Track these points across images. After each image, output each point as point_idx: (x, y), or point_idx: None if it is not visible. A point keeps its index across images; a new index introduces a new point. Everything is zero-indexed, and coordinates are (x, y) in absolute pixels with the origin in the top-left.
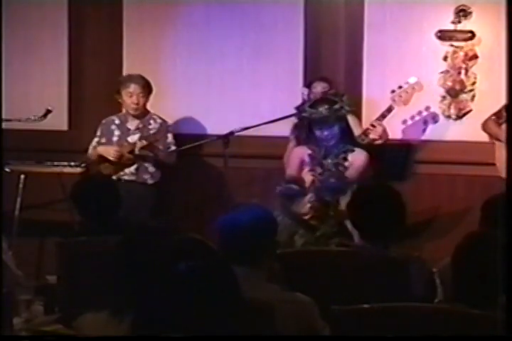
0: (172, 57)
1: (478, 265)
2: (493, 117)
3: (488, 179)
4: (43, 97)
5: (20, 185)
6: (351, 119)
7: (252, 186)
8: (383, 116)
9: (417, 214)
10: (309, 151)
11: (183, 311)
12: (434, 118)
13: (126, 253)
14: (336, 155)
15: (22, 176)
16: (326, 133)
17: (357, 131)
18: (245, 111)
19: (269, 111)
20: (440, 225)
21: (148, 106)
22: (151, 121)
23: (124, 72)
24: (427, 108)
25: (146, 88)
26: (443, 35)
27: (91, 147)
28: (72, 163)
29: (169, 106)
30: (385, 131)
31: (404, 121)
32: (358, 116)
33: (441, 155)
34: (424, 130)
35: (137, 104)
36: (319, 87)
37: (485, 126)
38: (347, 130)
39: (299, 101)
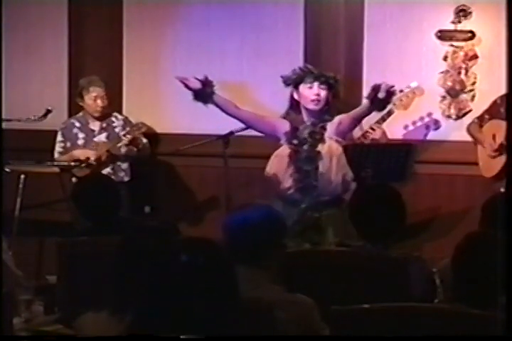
0: (172, 57)
1: (478, 265)
2: (476, 120)
3: (488, 179)
4: (43, 97)
5: (20, 185)
6: None
7: (252, 186)
8: (383, 119)
9: (417, 214)
10: (288, 124)
11: (184, 311)
12: (436, 124)
13: (126, 253)
14: (314, 124)
15: (22, 176)
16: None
17: (357, 132)
18: None
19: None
20: (440, 225)
21: (148, 106)
22: (113, 119)
23: (124, 72)
24: (429, 114)
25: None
26: (443, 35)
27: (56, 153)
28: (73, 163)
29: (169, 106)
30: (384, 134)
31: (406, 126)
32: None
33: (441, 155)
34: (425, 135)
35: (103, 107)
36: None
37: (469, 129)
38: (332, 101)
39: None
